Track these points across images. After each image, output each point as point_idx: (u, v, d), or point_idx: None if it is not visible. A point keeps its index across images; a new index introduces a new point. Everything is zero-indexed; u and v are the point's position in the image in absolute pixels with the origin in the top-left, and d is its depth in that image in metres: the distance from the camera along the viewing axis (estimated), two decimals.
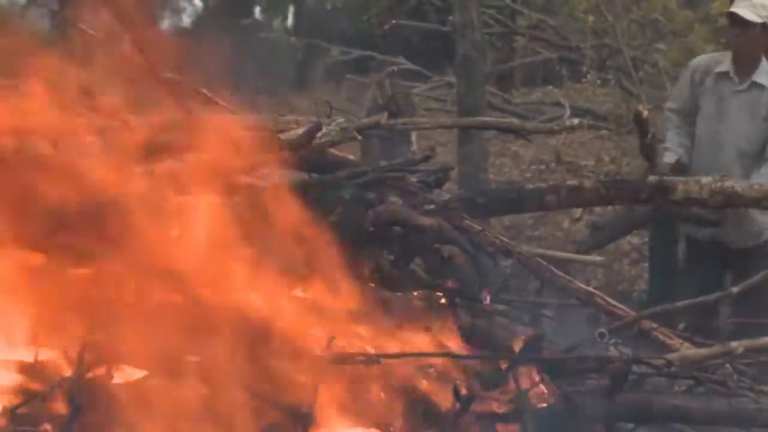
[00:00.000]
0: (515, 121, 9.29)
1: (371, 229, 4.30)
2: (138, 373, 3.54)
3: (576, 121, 8.26)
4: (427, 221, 4.35)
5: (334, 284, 3.86)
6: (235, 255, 3.74)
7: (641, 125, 6.87)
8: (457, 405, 3.62)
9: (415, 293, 4.31)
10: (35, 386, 3.39)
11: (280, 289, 3.74)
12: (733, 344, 4.49)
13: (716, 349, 4.49)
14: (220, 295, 3.65)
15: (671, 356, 4.40)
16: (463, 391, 3.65)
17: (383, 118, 5.64)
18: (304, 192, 4.18)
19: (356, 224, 4.23)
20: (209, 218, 3.89)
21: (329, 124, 5.07)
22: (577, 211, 10.54)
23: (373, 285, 4.08)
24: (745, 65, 6.50)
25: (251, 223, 3.83)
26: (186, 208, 3.92)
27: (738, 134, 6.44)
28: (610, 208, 8.24)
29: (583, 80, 15.76)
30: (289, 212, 3.90)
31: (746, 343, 4.53)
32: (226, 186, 3.94)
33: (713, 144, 6.48)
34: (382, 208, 4.32)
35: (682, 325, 5.17)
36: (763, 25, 6.34)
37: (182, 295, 3.69)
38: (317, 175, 4.66)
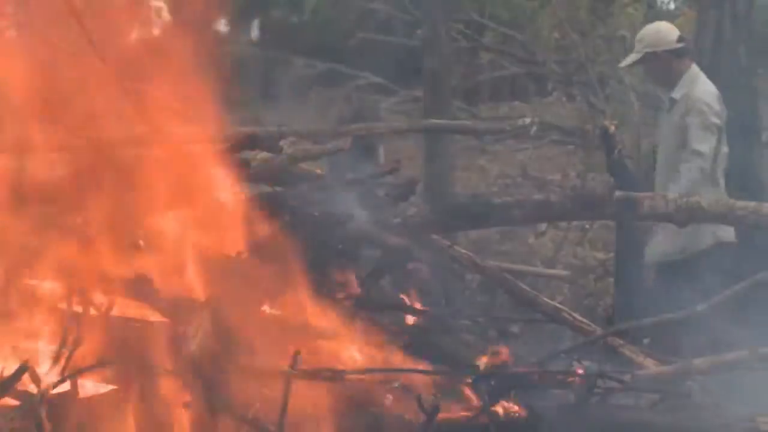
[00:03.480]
0: (467, 122, 9.35)
1: (340, 246, 4.30)
2: (103, 388, 3.52)
3: (527, 120, 8.31)
4: (395, 240, 4.36)
5: (301, 300, 3.85)
6: (201, 269, 3.73)
7: (608, 141, 6.94)
8: (423, 418, 3.62)
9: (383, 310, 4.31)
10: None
11: (248, 304, 3.73)
12: (696, 361, 4.51)
13: (681, 365, 4.50)
14: (185, 308, 3.65)
15: (636, 372, 4.41)
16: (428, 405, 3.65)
17: (347, 143, 5.65)
18: (271, 207, 4.18)
19: (325, 241, 4.23)
20: (174, 232, 3.88)
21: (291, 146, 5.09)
22: (542, 225, 10.57)
23: (341, 301, 4.08)
24: (663, 88, 7.00)
25: (218, 238, 3.82)
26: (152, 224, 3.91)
27: (668, 150, 6.75)
28: None
29: (550, 96, 15.80)
30: (257, 228, 3.90)
31: (710, 359, 4.54)
32: (192, 202, 3.93)
33: (658, 166, 6.89)
34: (352, 227, 4.32)
35: (646, 341, 5.19)
36: (652, 53, 6.81)
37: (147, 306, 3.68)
38: (281, 189, 4.67)
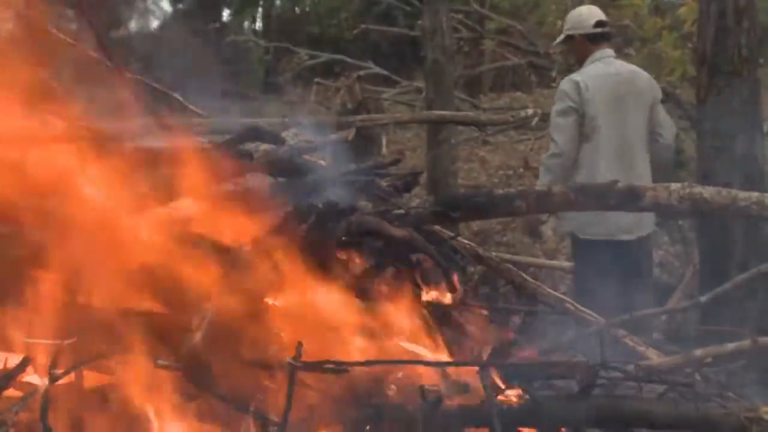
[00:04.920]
0: (470, 114, 9.40)
1: (344, 238, 4.31)
2: (107, 380, 3.53)
3: (530, 111, 8.37)
4: (399, 232, 4.37)
5: (304, 291, 3.85)
6: (206, 259, 3.73)
7: None
8: (426, 408, 3.63)
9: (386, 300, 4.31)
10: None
11: (251, 295, 3.73)
12: (698, 352, 4.51)
13: (683, 356, 4.51)
14: (190, 300, 3.65)
15: (639, 362, 4.41)
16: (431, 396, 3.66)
17: (351, 134, 5.66)
18: (274, 198, 4.18)
19: (329, 233, 4.23)
20: (176, 224, 3.89)
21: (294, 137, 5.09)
22: (543, 216, 10.57)
23: (344, 293, 4.08)
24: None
25: (222, 229, 3.82)
26: (154, 213, 3.91)
27: None
28: None
29: (552, 85, 15.80)
30: (260, 219, 3.90)
31: (711, 350, 4.55)
32: (199, 195, 3.93)
33: None
34: (355, 218, 4.33)
35: (655, 334, 5.20)
36: (570, 36, 7.10)
37: (152, 299, 3.68)
38: (284, 180, 4.67)
